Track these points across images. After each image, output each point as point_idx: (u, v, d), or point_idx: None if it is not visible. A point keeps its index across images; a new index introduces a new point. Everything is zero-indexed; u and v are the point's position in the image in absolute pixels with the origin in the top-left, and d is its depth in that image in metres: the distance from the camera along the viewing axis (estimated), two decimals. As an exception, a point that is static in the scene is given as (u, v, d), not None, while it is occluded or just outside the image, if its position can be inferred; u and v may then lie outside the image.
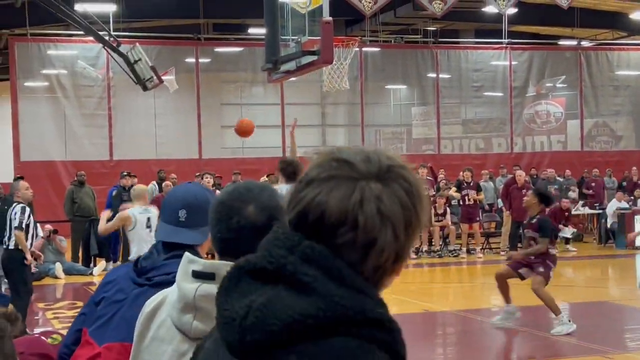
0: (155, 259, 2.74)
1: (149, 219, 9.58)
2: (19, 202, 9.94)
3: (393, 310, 1.29)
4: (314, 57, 9.72)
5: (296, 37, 10.36)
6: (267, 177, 21.00)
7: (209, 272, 2.10)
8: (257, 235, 2.07)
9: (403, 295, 12.11)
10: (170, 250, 2.75)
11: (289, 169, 7.74)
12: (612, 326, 10.89)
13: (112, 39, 18.40)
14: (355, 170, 1.35)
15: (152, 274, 2.71)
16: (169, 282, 2.66)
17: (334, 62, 9.92)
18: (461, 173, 19.35)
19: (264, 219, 2.07)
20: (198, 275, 2.12)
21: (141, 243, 9.15)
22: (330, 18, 9.53)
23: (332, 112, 28.98)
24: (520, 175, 18.46)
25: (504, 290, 10.24)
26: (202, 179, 19.79)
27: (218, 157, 25.20)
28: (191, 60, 25.34)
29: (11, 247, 9.80)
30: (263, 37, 11.57)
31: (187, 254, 2.20)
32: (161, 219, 2.82)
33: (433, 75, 27.64)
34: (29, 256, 9.77)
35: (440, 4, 19.38)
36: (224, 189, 2.25)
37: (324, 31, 9.51)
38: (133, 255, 9.20)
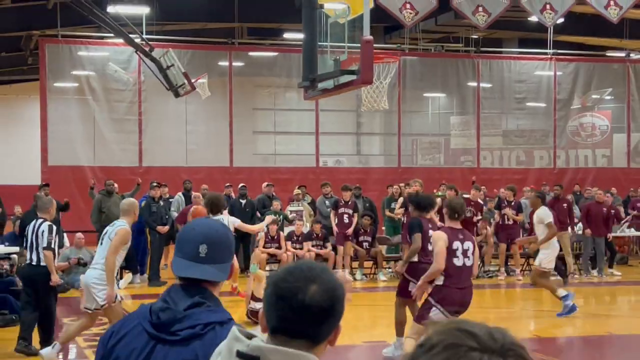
0: (176, 311, 2.63)
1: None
2: (45, 220, 9.94)
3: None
4: (353, 77, 9.61)
5: (334, 55, 10.25)
6: (298, 188, 20.97)
7: (254, 355, 2.07)
8: (318, 316, 2.08)
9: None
10: (186, 288, 2.69)
11: None
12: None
13: (144, 42, 18.47)
14: (480, 343, 1.42)
15: (176, 328, 2.61)
16: (198, 335, 2.58)
17: (373, 82, 9.75)
18: (502, 190, 19.14)
19: (327, 300, 2.09)
20: (242, 356, 2.09)
21: None
22: (371, 37, 9.42)
23: (368, 120, 28.87)
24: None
25: None
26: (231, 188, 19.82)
27: (249, 165, 25.18)
28: (224, 64, 25.37)
29: (34, 263, 9.83)
30: (298, 42, 11.52)
31: (234, 330, 2.16)
32: (177, 254, 2.77)
33: (474, 84, 27.44)
34: (55, 277, 9.78)
35: (484, 15, 19.19)
36: (282, 268, 2.22)
37: (364, 50, 9.40)
38: None
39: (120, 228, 8.94)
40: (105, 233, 9.13)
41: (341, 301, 2.13)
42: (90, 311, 9.11)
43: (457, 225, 8.21)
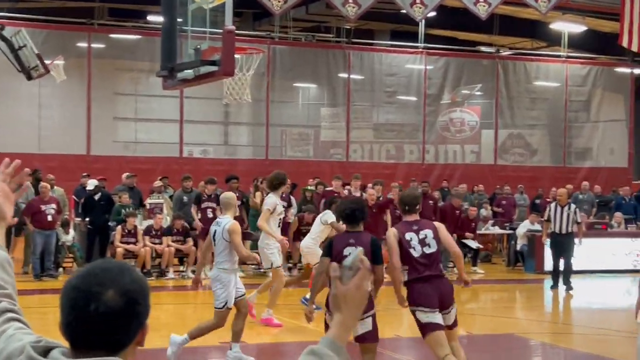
0: None
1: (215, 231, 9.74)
2: None
3: None
4: (214, 68, 9.50)
5: (196, 43, 10.11)
6: (160, 179, 20.68)
7: None
8: (118, 323, 2.02)
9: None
10: None
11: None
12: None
13: (-6, 20, 17.78)
14: None
15: None
16: None
17: (235, 74, 9.66)
18: (369, 186, 19.30)
19: (126, 305, 2.02)
20: None
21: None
22: (233, 27, 9.33)
23: (236, 109, 28.68)
24: (372, 194, 17.62)
25: None
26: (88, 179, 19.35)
27: (108, 153, 24.60)
28: (83, 45, 24.68)
29: None
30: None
31: (27, 349, 2.07)
32: None
33: (344, 75, 27.69)
34: None
35: (354, 7, 19.37)
36: (77, 271, 2.14)
37: (226, 40, 9.30)
38: None
39: (230, 225, 9.50)
40: (214, 233, 9.67)
41: (143, 301, 2.08)
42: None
43: (413, 217, 8.16)
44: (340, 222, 8.32)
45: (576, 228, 17.04)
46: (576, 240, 17.06)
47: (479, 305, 16.31)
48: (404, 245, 7.84)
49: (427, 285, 7.80)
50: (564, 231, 16.90)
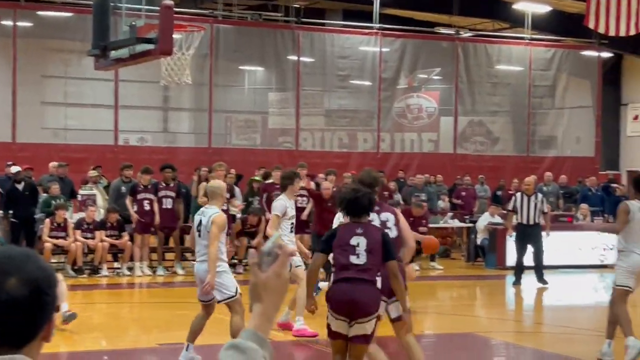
0: None
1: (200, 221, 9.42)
2: None
3: None
4: (151, 46, 9.40)
5: (130, 19, 10.00)
6: (93, 169, 20.44)
7: None
8: (19, 313, 1.98)
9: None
10: None
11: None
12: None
13: None
14: None
15: None
16: None
17: (174, 53, 9.57)
18: (320, 176, 19.25)
19: (28, 294, 1.99)
20: None
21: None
22: (171, 2, 9.24)
23: (176, 94, 28.50)
24: (327, 188, 17.30)
25: None
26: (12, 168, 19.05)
27: (36, 141, 24.28)
28: (8, 23, 24.30)
29: None
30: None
31: None
32: None
33: (294, 58, 27.63)
34: None
35: (304, -17, 19.32)
36: None
37: (164, 16, 9.21)
38: None
39: (215, 215, 9.26)
40: (199, 223, 9.42)
41: (50, 291, 2.05)
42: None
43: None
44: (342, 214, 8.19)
45: (542, 219, 17.21)
46: (543, 232, 17.23)
47: (437, 303, 16.41)
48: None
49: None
50: (531, 222, 17.05)
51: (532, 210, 17.04)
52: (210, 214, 9.34)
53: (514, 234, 17.50)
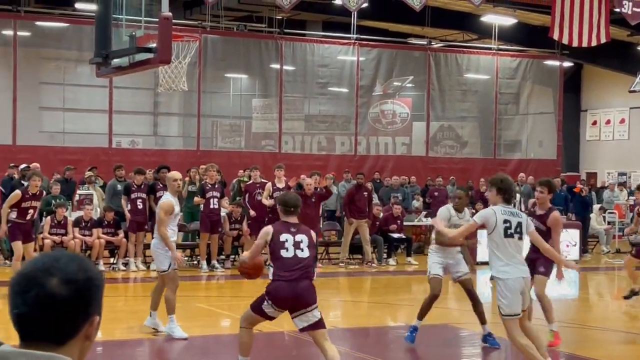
0: None
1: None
2: None
3: None
4: (150, 55, 9.39)
5: (131, 30, 9.98)
6: (90, 170, 20.37)
7: None
8: (60, 312, 1.99)
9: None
10: None
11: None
12: (450, 353, 11.20)
13: None
14: None
15: None
16: None
17: (171, 62, 9.58)
18: (302, 177, 19.31)
19: (69, 293, 2.00)
20: None
21: None
22: (170, 13, 9.23)
23: (166, 99, 28.47)
24: (309, 184, 17.43)
25: None
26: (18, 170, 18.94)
27: (35, 143, 24.16)
28: (8, 33, 24.15)
29: None
30: (91, 13, 11.11)
31: None
32: None
33: (276, 66, 27.65)
34: None
35: (288, -4, 19.34)
36: (29, 260, 2.12)
37: (163, 27, 9.21)
38: None
39: (162, 201, 10.32)
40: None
41: (92, 292, 2.06)
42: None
43: (292, 219, 8.20)
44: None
45: None
46: None
47: (412, 296, 16.44)
48: (277, 245, 7.92)
49: (287, 287, 7.88)
50: None
51: None
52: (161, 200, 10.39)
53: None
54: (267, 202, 17.60)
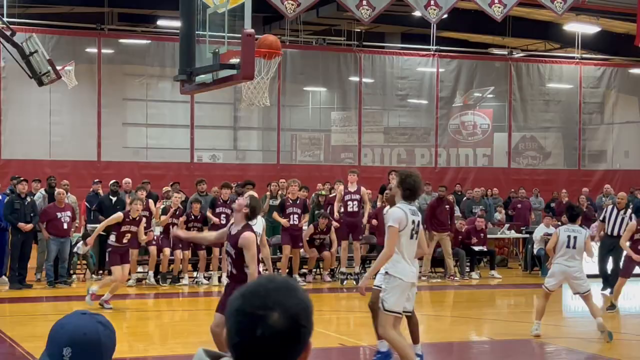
0: None
1: None
2: None
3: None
4: (233, 72, 9.57)
5: (214, 47, 10.19)
6: (171, 186, 20.74)
7: None
8: (282, 346, 2.05)
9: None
10: None
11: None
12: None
13: (5, 26, 17.88)
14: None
15: None
16: None
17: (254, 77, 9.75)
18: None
19: (290, 329, 2.05)
20: None
21: None
22: (253, 30, 9.40)
23: (246, 114, 28.82)
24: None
25: None
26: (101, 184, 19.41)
27: (119, 159, 24.73)
28: (92, 50, 24.81)
29: None
30: (173, 30, 11.40)
31: (200, 352, 2.18)
32: (44, 352, 2.62)
33: (355, 79, 27.76)
34: None
35: (367, 9, 19.45)
36: (241, 290, 2.12)
37: (245, 44, 9.38)
38: None
39: None
40: None
41: (307, 322, 2.09)
42: None
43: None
44: None
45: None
46: None
47: (495, 310, 16.34)
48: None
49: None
50: (615, 234, 17.05)
51: (618, 223, 17.01)
52: None
53: (599, 242, 17.49)
54: (336, 205, 17.79)
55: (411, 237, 8.07)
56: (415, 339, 9.42)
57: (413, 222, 8.07)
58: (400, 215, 8.07)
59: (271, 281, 2.10)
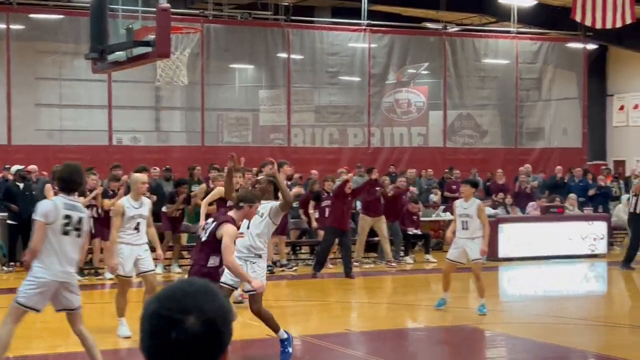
0: None
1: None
2: None
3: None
4: (148, 49, 9.42)
5: (127, 22, 10.01)
6: (87, 170, 20.39)
7: None
8: (197, 348, 2.03)
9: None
10: None
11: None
12: (471, 355, 11.21)
13: None
14: None
15: None
16: None
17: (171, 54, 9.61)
18: (325, 183, 19.15)
19: (206, 334, 2.04)
20: None
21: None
22: (168, 5, 9.26)
23: (168, 93, 28.52)
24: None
25: None
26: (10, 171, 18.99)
27: (31, 142, 24.23)
28: (1, 26, 24.22)
29: None
30: (87, 4, 11.10)
31: None
32: None
33: (284, 55, 27.62)
34: None
35: (294, -18, 19.32)
36: (158, 294, 2.11)
37: (160, 19, 9.23)
38: None
39: None
40: None
41: (226, 328, 2.09)
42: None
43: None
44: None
45: None
46: None
47: (430, 295, 16.43)
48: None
49: None
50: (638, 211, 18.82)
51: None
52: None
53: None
54: None
55: (63, 233, 7.73)
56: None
57: (66, 216, 7.73)
58: (48, 207, 7.83)
59: (191, 284, 2.10)
